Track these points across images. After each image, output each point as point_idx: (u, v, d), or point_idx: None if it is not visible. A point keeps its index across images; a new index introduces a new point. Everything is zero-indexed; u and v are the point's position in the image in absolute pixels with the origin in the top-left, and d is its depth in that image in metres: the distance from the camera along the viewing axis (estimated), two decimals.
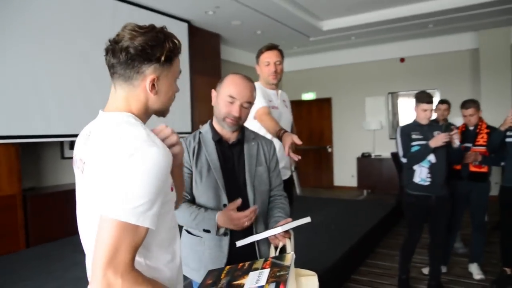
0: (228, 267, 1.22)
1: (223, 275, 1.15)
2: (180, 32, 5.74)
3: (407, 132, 3.00)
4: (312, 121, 8.95)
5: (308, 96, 8.94)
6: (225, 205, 1.54)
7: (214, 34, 6.53)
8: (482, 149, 3.38)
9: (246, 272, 1.10)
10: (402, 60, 7.72)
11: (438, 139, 2.81)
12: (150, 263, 0.95)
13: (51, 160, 4.64)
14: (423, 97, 2.92)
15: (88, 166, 0.91)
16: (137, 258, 0.91)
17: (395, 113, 7.93)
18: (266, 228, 1.64)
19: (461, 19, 6.17)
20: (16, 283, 3.01)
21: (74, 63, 4.30)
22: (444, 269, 3.58)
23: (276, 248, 1.47)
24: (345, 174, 8.51)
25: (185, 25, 5.82)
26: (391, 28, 6.57)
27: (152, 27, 0.95)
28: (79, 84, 4.32)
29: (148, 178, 0.83)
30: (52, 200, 4.16)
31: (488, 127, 3.45)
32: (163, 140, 0.94)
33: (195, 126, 5.93)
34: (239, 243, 1.43)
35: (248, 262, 1.18)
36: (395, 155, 5.94)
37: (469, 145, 3.45)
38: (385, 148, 7.77)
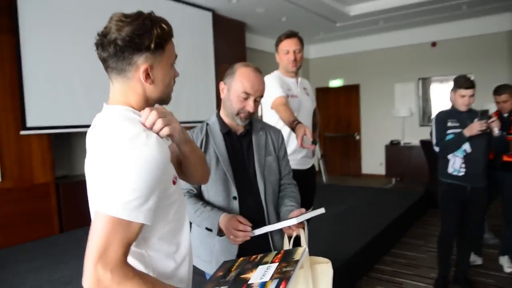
0: (241, 259, 1.21)
1: (234, 267, 1.15)
2: (205, 21, 5.76)
3: (443, 119, 2.82)
4: (340, 108, 8.80)
5: (336, 83, 8.78)
6: (234, 198, 1.53)
7: (239, 22, 6.50)
8: None
9: (255, 266, 1.09)
10: (433, 44, 7.41)
11: (472, 128, 2.64)
12: (152, 254, 0.94)
13: (81, 149, 4.79)
14: (461, 82, 2.72)
15: (87, 160, 0.92)
16: (138, 250, 0.93)
17: (425, 100, 7.66)
18: (278, 217, 1.63)
19: None
20: (55, 264, 3.20)
21: None
22: (479, 261, 3.45)
23: (289, 238, 1.47)
24: (373, 162, 8.36)
25: (209, 14, 5.82)
26: (422, 11, 6.30)
27: (138, 15, 0.91)
28: (107, 76, 4.41)
29: (140, 173, 0.82)
30: (83, 187, 4.24)
31: None
32: (150, 128, 0.91)
33: None
34: (256, 232, 1.41)
35: (261, 255, 1.18)
36: (424, 143, 5.77)
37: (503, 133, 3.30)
38: (414, 135, 7.55)
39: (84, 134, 0.98)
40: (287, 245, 1.48)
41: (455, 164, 2.79)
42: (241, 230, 1.41)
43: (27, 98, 3.87)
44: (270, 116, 2.40)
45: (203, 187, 1.55)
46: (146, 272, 0.92)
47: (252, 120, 1.62)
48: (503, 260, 3.40)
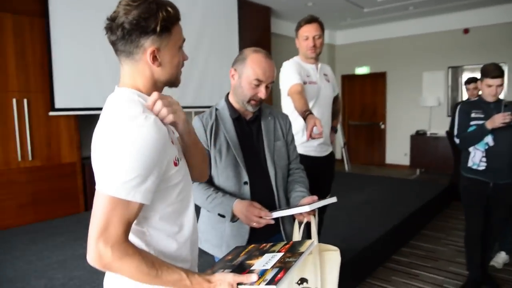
0: (252, 245, 1.23)
1: (243, 253, 1.17)
2: (229, 6, 5.74)
3: (466, 109, 2.68)
4: (366, 96, 8.63)
5: (362, 70, 8.60)
6: (245, 183, 1.54)
7: (264, 7, 6.44)
8: None
9: (262, 253, 1.10)
10: (466, 31, 7.11)
11: (494, 120, 2.48)
12: (154, 233, 0.97)
13: None
14: (487, 71, 2.54)
15: (93, 141, 0.96)
16: (140, 228, 0.96)
17: (455, 89, 7.41)
18: (287, 201, 1.64)
19: None
20: (79, 240, 3.35)
21: None
22: (507, 259, 3.32)
23: (300, 223, 1.49)
24: (397, 152, 8.19)
25: None
26: None
27: None
28: None
29: (138, 153, 0.84)
30: None
31: None
32: (156, 114, 0.94)
33: None
34: (274, 215, 1.43)
35: (270, 244, 1.19)
36: (450, 134, 5.61)
37: None
38: (442, 126, 7.33)
39: None
40: (296, 231, 1.50)
41: (475, 157, 2.66)
42: (261, 217, 1.42)
43: (56, 79, 4.01)
44: (287, 102, 2.40)
45: (214, 172, 1.55)
46: (147, 251, 0.95)
47: (261, 106, 1.62)
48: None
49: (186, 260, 1.05)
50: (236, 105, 1.59)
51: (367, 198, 4.80)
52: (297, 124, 2.40)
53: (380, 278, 3.14)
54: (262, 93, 1.49)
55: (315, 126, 1.79)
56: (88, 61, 4.19)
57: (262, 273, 0.94)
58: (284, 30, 7.39)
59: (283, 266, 0.96)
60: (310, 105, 2.31)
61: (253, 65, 1.48)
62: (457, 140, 2.75)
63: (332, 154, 2.68)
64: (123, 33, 0.91)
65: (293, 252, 1.06)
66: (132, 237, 0.94)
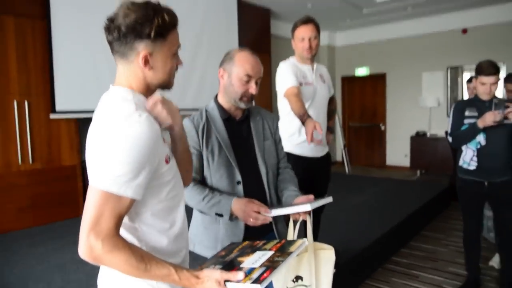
0: (246, 242, 1.24)
1: (236, 249, 1.18)
2: (229, 7, 5.76)
3: (461, 108, 2.66)
4: (365, 98, 8.64)
5: (362, 71, 8.61)
6: (238, 182, 1.55)
7: (264, 8, 6.47)
8: None
9: (254, 250, 1.12)
10: (464, 31, 7.12)
11: (485, 118, 2.43)
12: (145, 229, 1.00)
13: None
14: (481, 69, 2.50)
15: (87, 138, 0.99)
16: (132, 224, 0.99)
17: (454, 90, 7.41)
18: (279, 200, 1.67)
19: None
20: (75, 244, 3.32)
21: None
22: None
23: (294, 222, 1.50)
24: (398, 153, 8.19)
25: (234, 0, 5.81)
26: None
27: (145, 4, 0.97)
28: None
29: (130, 149, 0.88)
30: None
31: None
32: (155, 116, 0.99)
33: None
34: (273, 214, 1.45)
35: (264, 241, 1.21)
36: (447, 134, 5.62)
37: None
38: (442, 126, 7.32)
39: None
40: (291, 231, 1.52)
41: (466, 156, 2.64)
42: (259, 213, 1.44)
43: (57, 82, 4.03)
44: (283, 103, 2.42)
45: (207, 173, 1.56)
46: (139, 246, 0.97)
47: (249, 107, 1.65)
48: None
49: (176, 255, 1.08)
50: (226, 105, 1.62)
51: (367, 200, 4.80)
52: (293, 125, 2.42)
53: (379, 279, 3.14)
54: (252, 88, 1.53)
55: (315, 129, 1.81)
56: (89, 64, 4.21)
57: (250, 272, 0.96)
58: (283, 31, 7.41)
59: (270, 265, 0.97)
60: (306, 106, 2.32)
61: (242, 62, 1.53)
62: (450, 139, 2.73)
63: (328, 155, 2.69)
64: (119, 35, 0.95)
65: (283, 251, 1.08)
66: (124, 233, 0.97)
